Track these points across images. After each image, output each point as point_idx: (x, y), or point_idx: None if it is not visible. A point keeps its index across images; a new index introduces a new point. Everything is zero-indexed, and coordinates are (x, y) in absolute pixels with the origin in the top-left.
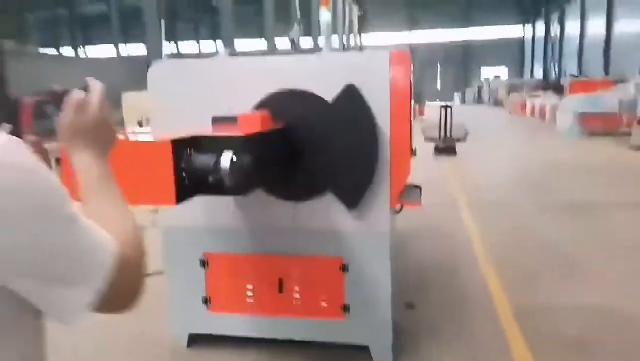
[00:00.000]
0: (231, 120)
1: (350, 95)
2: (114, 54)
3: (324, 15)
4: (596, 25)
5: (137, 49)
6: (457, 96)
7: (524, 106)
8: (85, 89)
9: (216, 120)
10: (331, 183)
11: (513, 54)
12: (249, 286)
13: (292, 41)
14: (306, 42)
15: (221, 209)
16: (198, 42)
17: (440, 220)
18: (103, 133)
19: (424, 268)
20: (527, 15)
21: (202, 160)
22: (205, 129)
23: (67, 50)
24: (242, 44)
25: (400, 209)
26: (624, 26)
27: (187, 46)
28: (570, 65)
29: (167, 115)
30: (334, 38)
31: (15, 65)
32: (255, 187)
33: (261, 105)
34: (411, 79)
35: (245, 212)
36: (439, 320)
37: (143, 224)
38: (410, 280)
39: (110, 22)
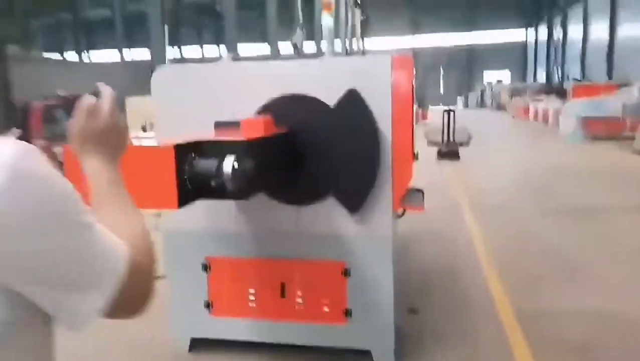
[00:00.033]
0: (234, 124)
1: (352, 100)
2: (118, 59)
3: (326, 20)
4: (599, 30)
5: (141, 54)
6: (460, 100)
7: (526, 110)
8: (96, 94)
9: (219, 125)
10: (333, 187)
11: (516, 58)
12: (251, 291)
13: (295, 46)
14: (309, 46)
15: (224, 213)
16: (202, 47)
17: (443, 224)
18: (113, 139)
19: (427, 273)
20: (529, 20)
21: (205, 164)
22: (208, 134)
23: (71, 55)
24: (245, 48)
25: (403, 213)
26: (627, 30)
27: (191, 51)
28: (573, 70)
29: (171, 120)
30: (337, 43)
31: (19, 70)
32: (257, 191)
33: (264, 110)
34: (413, 83)
35: (248, 216)
36: (442, 325)
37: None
38: (413, 284)
39: (114, 27)
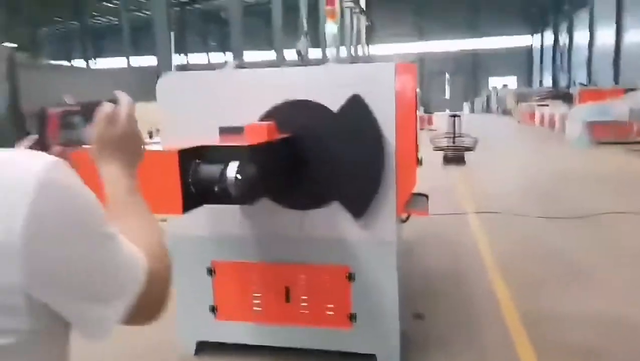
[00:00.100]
0: (238, 130)
1: (356, 106)
2: (125, 66)
3: (330, 27)
4: (605, 35)
5: (147, 61)
6: (466, 106)
7: (532, 115)
8: (115, 101)
9: (223, 131)
10: (337, 192)
11: (522, 63)
12: (256, 295)
13: (299, 53)
14: (315, 53)
15: (228, 218)
16: (208, 54)
17: (449, 229)
18: (131, 146)
19: (432, 277)
20: (535, 25)
21: (209, 170)
22: (213, 139)
23: (78, 62)
24: (251, 55)
25: (407, 218)
26: (633, 36)
27: (197, 58)
28: (580, 75)
29: (176, 126)
30: (343, 49)
31: (28, 77)
32: (261, 196)
33: (268, 116)
34: (417, 89)
35: (253, 221)
36: (447, 330)
37: None
38: (418, 289)
39: (121, 35)
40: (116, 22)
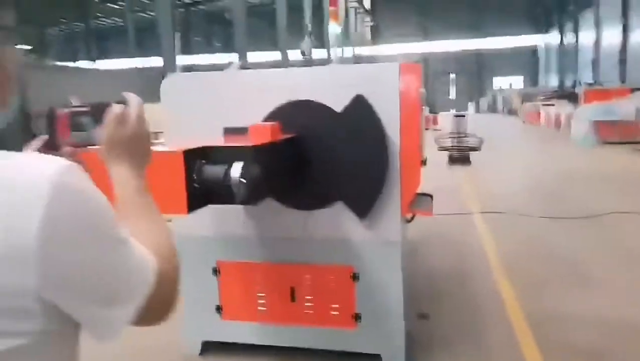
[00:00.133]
0: (242, 131)
1: (360, 106)
2: (130, 67)
3: (333, 28)
4: (611, 35)
5: (152, 62)
6: (471, 105)
7: (538, 115)
8: (124, 102)
9: (228, 131)
10: (342, 192)
11: (527, 63)
12: (261, 295)
13: (302, 53)
14: (319, 53)
15: (233, 218)
16: (212, 55)
17: (454, 229)
18: (140, 147)
19: (437, 277)
20: (540, 25)
21: (213, 170)
22: (217, 140)
23: (84, 63)
24: (256, 56)
25: (412, 218)
26: (639, 35)
27: (202, 59)
28: (585, 74)
29: (180, 127)
30: (347, 49)
31: (34, 78)
32: (265, 196)
33: (272, 116)
34: (421, 89)
35: (257, 221)
36: (452, 330)
37: None
38: (423, 289)
39: (126, 36)
40: (121, 23)
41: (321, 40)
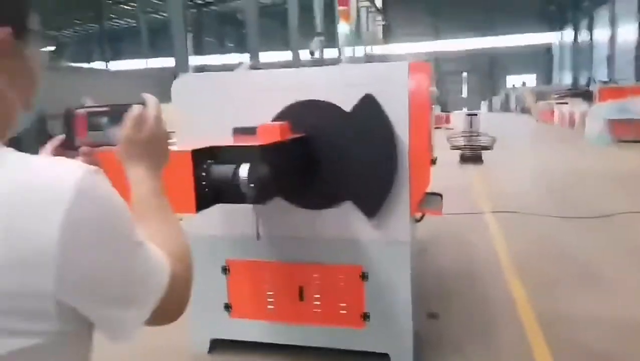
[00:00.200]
0: (251, 130)
1: (369, 105)
2: (143, 68)
3: (342, 28)
4: (627, 32)
5: (165, 62)
6: (483, 104)
7: (552, 113)
8: (143, 103)
9: (237, 131)
10: (350, 192)
11: (541, 61)
12: (270, 293)
13: (312, 53)
14: (331, 53)
15: (243, 218)
16: (224, 55)
17: (465, 229)
18: (158, 148)
19: (447, 277)
20: (554, 23)
21: (221, 170)
22: (227, 139)
23: (98, 64)
24: (268, 56)
25: (421, 218)
26: None
27: (214, 59)
28: (600, 72)
29: (191, 127)
30: (359, 48)
31: (48, 79)
32: (273, 196)
33: (281, 116)
34: (431, 88)
35: (266, 220)
36: (462, 330)
37: None
38: (433, 288)
39: (139, 37)
40: (134, 25)
41: (333, 40)
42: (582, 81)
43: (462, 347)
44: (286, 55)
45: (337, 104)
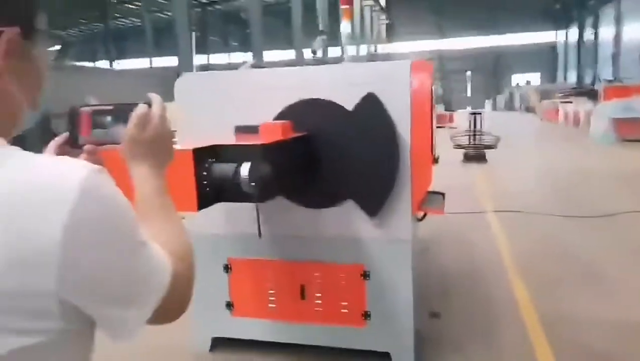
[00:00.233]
0: (253, 129)
1: (371, 104)
2: (148, 67)
3: (345, 27)
4: (632, 30)
5: (169, 62)
6: (488, 103)
7: (556, 112)
8: (148, 102)
9: (239, 130)
10: (352, 191)
11: (546, 60)
12: (271, 292)
13: (314, 52)
14: (335, 52)
15: (244, 216)
16: (229, 54)
17: (468, 228)
18: (162, 147)
19: (450, 276)
20: (559, 21)
21: (223, 168)
22: (229, 138)
23: (102, 64)
24: (271, 55)
25: (424, 217)
26: None
27: (219, 58)
28: (605, 71)
29: (193, 126)
30: (362, 47)
31: (52, 79)
32: (275, 194)
33: (283, 115)
34: (433, 86)
35: (268, 219)
36: (464, 330)
37: None
38: (435, 288)
39: (144, 36)
40: (139, 24)
41: (337, 39)
42: (587, 80)
43: (463, 347)
44: (290, 54)
45: (339, 103)
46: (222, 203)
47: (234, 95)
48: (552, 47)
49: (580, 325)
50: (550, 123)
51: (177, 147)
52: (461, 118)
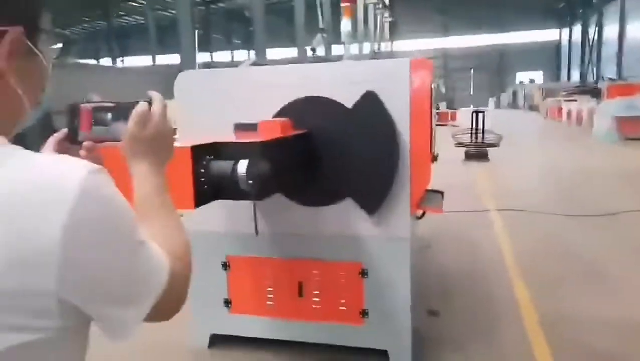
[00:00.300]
0: (252, 127)
1: (370, 102)
2: (151, 64)
3: (345, 24)
4: (637, 29)
5: (173, 59)
6: (491, 101)
7: (559, 111)
8: (149, 100)
9: (238, 127)
10: (351, 188)
11: (549, 58)
12: (270, 289)
13: (314, 50)
14: (338, 49)
15: (243, 214)
16: (232, 52)
17: (469, 226)
18: (163, 144)
19: (450, 275)
20: (563, 20)
21: (220, 166)
22: (228, 136)
23: (106, 61)
24: (274, 53)
25: (422, 215)
26: None
27: (222, 56)
28: (609, 69)
29: (193, 123)
30: (366, 45)
31: (55, 76)
32: (273, 192)
33: (282, 112)
34: (433, 85)
35: (267, 216)
36: (464, 329)
37: None
38: (435, 287)
39: (147, 33)
40: (142, 21)
41: (340, 37)
42: (591, 78)
43: (463, 346)
44: (293, 52)
45: (339, 101)
46: (221, 201)
47: (234, 93)
48: (556, 45)
49: (582, 324)
50: (554, 121)
51: (176, 144)
52: (464, 116)
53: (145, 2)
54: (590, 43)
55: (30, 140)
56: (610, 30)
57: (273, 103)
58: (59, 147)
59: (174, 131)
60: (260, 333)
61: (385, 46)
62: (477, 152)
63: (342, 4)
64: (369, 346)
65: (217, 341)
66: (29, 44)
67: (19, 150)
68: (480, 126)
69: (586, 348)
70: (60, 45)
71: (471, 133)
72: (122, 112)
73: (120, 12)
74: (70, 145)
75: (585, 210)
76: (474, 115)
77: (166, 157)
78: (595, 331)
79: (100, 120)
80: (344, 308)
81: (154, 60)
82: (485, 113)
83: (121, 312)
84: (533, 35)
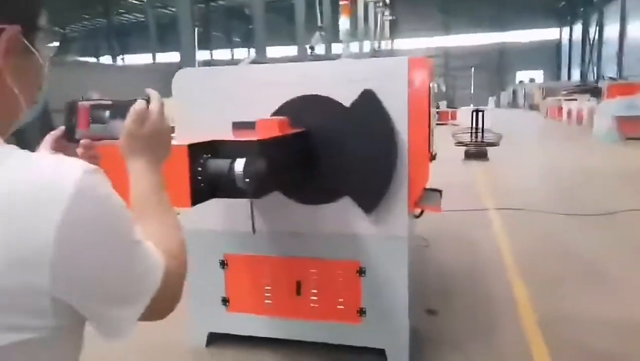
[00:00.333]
0: (251, 125)
1: (368, 100)
2: (151, 62)
3: (343, 23)
4: (637, 28)
5: (172, 57)
6: (491, 100)
7: (560, 110)
8: (147, 98)
9: (236, 125)
10: (349, 187)
11: (549, 57)
12: (267, 288)
13: (312, 48)
14: (338, 48)
15: (241, 212)
16: (232, 50)
17: (468, 226)
18: (160, 142)
19: (449, 274)
20: (563, 19)
21: (217, 164)
22: (226, 134)
23: (106, 59)
24: (274, 51)
25: (421, 214)
26: None
27: (222, 54)
28: (609, 69)
29: (191, 121)
30: (366, 43)
31: (55, 74)
32: (270, 190)
33: (281, 111)
34: (431, 84)
35: (264, 215)
36: (462, 328)
37: None
38: (434, 286)
39: (147, 31)
40: (142, 19)
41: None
42: (591, 77)
43: (461, 345)
44: (293, 50)
45: (337, 99)
46: (219, 199)
47: (233, 91)
48: (556, 45)
49: (581, 324)
50: (554, 121)
51: (173, 142)
52: (464, 115)
53: (145, 0)
54: (591, 42)
55: (29, 137)
56: (611, 30)
57: (271, 101)
58: (56, 144)
59: (171, 129)
60: (258, 332)
61: (385, 45)
62: (477, 151)
63: (340, 2)
64: (367, 344)
65: (215, 339)
66: (26, 42)
67: (16, 150)
68: (480, 125)
69: (585, 348)
70: (57, 43)
71: (471, 132)
72: (119, 109)
73: (120, 10)
74: (67, 142)
75: (585, 210)
76: (474, 114)
77: (164, 154)
78: (595, 331)
79: (98, 118)
80: (341, 306)
81: (154, 58)
82: (485, 112)
83: (116, 312)
84: (533, 34)
